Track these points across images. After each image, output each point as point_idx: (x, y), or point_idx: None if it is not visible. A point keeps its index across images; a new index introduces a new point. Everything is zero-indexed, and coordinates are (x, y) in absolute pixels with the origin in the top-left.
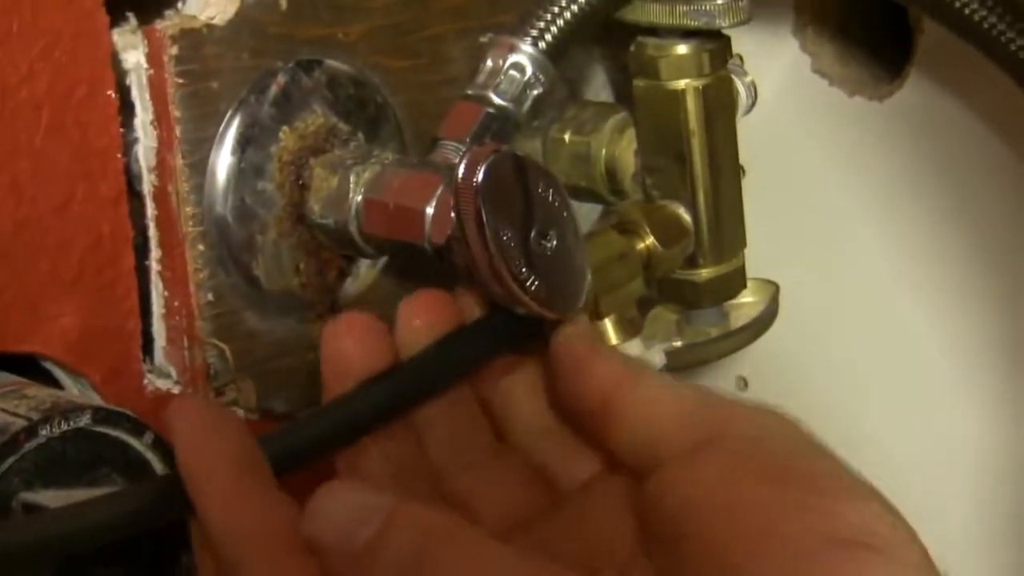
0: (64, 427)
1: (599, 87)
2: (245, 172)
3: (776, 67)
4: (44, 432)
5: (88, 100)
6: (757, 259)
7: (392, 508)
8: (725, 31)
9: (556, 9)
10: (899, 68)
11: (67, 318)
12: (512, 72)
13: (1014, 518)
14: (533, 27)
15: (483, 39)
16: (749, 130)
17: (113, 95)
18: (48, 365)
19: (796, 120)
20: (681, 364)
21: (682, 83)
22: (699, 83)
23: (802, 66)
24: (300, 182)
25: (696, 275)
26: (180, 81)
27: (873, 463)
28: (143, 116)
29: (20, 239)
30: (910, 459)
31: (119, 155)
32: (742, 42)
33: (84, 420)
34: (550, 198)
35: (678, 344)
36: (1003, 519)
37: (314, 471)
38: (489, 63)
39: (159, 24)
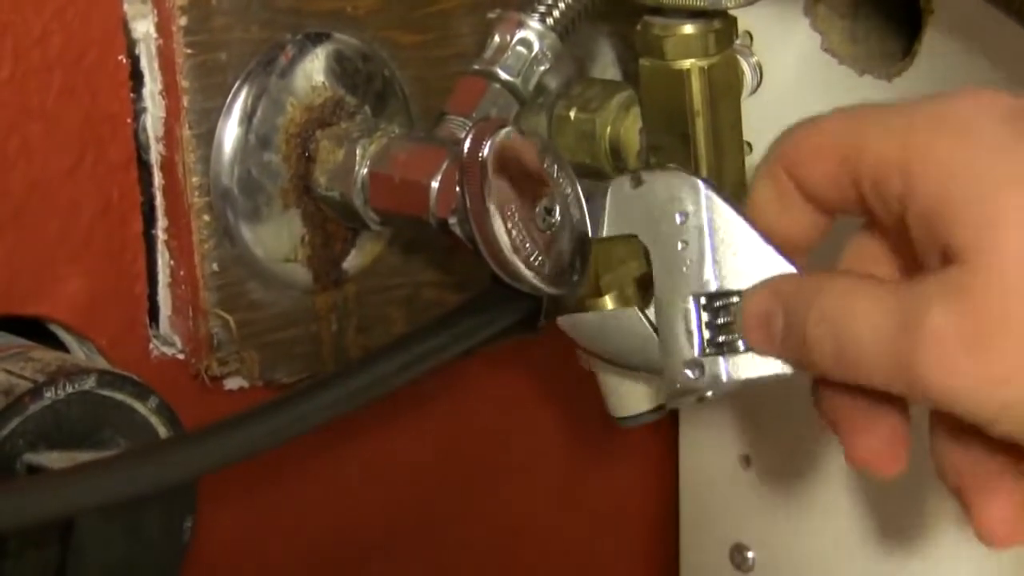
0: (69, 390)
1: (606, 65)
2: (252, 144)
3: (786, 46)
4: (49, 394)
5: (99, 64)
6: None
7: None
8: (731, 11)
9: None
10: (908, 47)
11: (75, 281)
12: (519, 48)
13: None
14: (541, 3)
15: (491, 15)
16: (759, 108)
17: (124, 60)
18: (54, 328)
19: (806, 98)
20: None
21: (687, 63)
22: (704, 63)
23: (812, 45)
24: (306, 154)
25: None
26: (189, 52)
27: None
28: (151, 86)
29: (30, 202)
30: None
31: (129, 120)
32: (752, 21)
33: (89, 383)
34: (555, 174)
35: None
36: None
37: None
38: (496, 39)
39: None
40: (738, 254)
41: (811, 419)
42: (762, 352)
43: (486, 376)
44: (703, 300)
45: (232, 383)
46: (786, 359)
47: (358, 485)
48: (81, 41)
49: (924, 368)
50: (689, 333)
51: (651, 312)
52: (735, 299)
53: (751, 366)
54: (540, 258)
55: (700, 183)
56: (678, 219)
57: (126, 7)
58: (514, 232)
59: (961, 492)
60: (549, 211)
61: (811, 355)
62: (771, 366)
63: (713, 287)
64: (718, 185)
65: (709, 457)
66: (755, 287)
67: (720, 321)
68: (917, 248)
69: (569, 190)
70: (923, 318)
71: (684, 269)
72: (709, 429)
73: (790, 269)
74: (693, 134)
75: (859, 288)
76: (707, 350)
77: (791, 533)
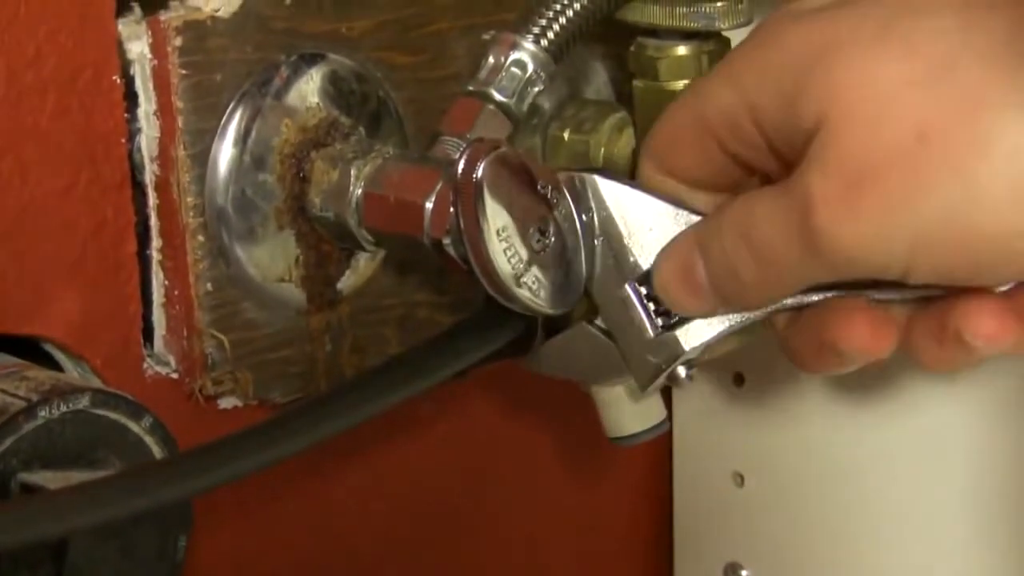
0: (63, 409)
1: (599, 86)
2: (246, 164)
3: None
4: (43, 414)
5: (93, 84)
6: None
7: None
8: (725, 32)
9: (558, 7)
10: None
11: (69, 301)
12: (514, 69)
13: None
14: (535, 25)
15: (485, 36)
16: None
17: (118, 80)
18: (49, 348)
19: None
20: None
21: (681, 84)
22: None
23: None
24: (301, 175)
25: None
26: (184, 72)
27: (873, 455)
28: (146, 106)
29: (24, 221)
30: (905, 448)
31: (123, 140)
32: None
33: (83, 402)
34: (548, 195)
35: None
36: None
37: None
38: (491, 59)
39: (163, 15)
40: (653, 228)
41: (804, 436)
42: (697, 312)
43: (480, 395)
44: (638, 286)
45: (226, 403)
46: (720, 305)
47: (352, 504)
48: (75, 62)
49: (825, 236)
50: (636, 320)
51: (598, 321)
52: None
53: (702, 329)
54: (534, 278)
55: (594, 177)
56: (586, 217)
57: (120, 28)
58: (508, 253)
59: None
60: (543, 232)
61: (739, 281)
62: (718, 324)
63: (643, 268)
64: None
65: (702, 475)
66: (659, 257)
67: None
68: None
69: (563, 210)
70: (807, 191)
71: (610, 262)
72: (702, 447)
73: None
74: None
75: (754, 197)
76: (659, 329)
77: (785, 551)
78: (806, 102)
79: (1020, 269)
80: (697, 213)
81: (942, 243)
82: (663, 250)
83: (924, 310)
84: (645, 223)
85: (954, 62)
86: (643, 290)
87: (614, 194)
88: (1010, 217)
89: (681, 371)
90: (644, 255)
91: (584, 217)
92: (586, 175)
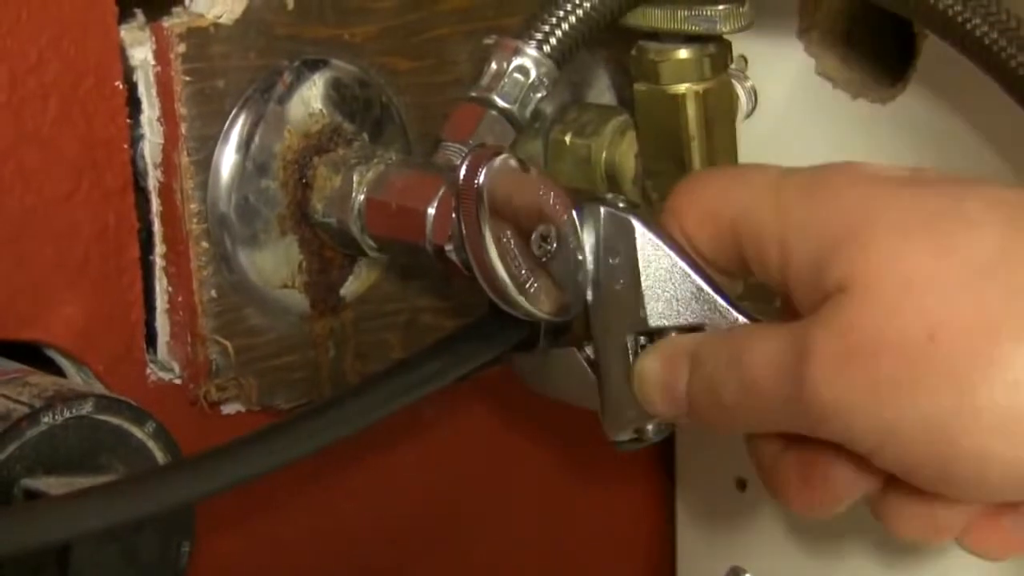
0: (66, 415)
1: (601, 89)
2: (249, 170)
3: (781, 70)
4: (46, 419)
5: (95, 90)
6: None
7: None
8: (726, 36)
9: (561, 13)
10: (902, 71)
11: (71, 307)
12: (516, 75)
13: None
14: (538, 30)
15: (488, 41)
16: (754, 132)
17: (120, 86)
18: (51, 353)
19: (800, 121)
20: None
21: (682, 88)
22: (699, 88)
23: (807, 69)
24: (303, 181)
25: None
26: (187, 79)
27: None
28: (149, 112)
29: (26, 227)
30: None
31: (125, 146)
32: (747, 45)
33: (86, 408)
34: (551, 201)
35: None
36: None
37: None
38: (493, 65)
39: (166, 22)
40: (672, 294)
41: None
42: (664, 416)
43: (482, 399)
44: (640, 338)
45: (230, 408)
46: (691, 419)
47: (354, 509)
48: (78, 68)
49: (812, 388)
50: (625, 369)
51: (589, 350)
52: (674, 335)
53: None
54: (536, 285)
55: (634, 222)
56: (611, 259)
57: (123, 34)
58: (510, 259)
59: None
60: (545, 238)
61: (719, 404)
62: None
63: (648, 325)
64: None
65: (705, 480)
66: (649, 352)
67: None
68: (798, 304)
69: (565, 217)
70: (809, 342)
71: (619, 307)
72: (705, 453)
73: (724, 307)
74: (689, 158)
75: (758, 330)
76: None
77: (788, 556)
78: (836, 265)
79: (983, 494)
80: (724, 301)
81: (915, 442)
82: (655, 346)
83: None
84: (667, 285)
85: (987, 277)
86: (642, 342)
87: (648, 244)
88: (992, 443)
89: (650, 429)
90: (654, 313)
91: (611, 255)
92: (625, 216)
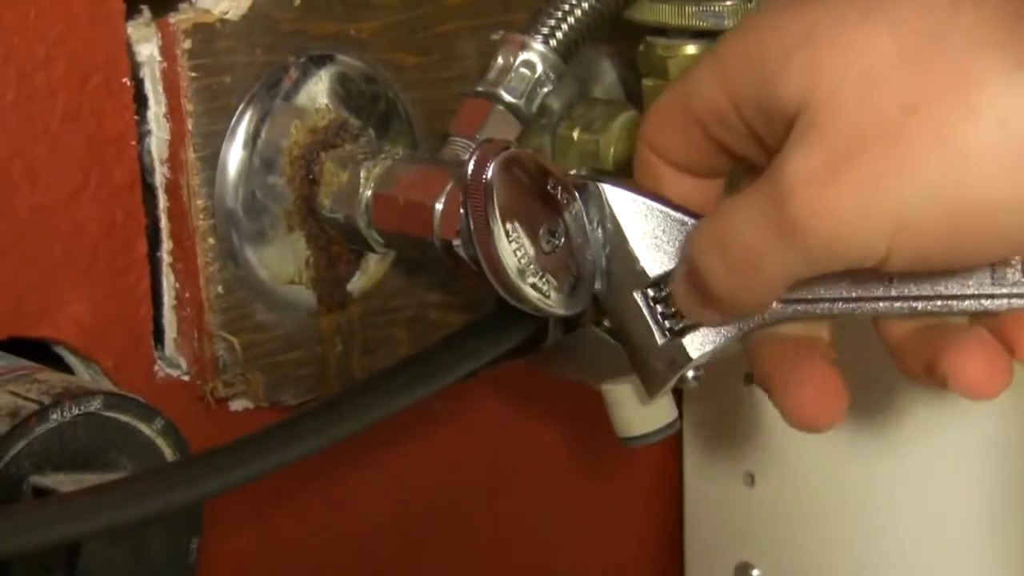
0: (75, 412)
1: (608, 85)
2: (256, 166)
3: None
4: (55, 416)
5: (103, 87)
6: None
7: None
8: None
9: (567, 7)
10: None
11: (80, 304)
12: (523, 70)
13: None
14: (544, 25)
15: (494, 36)
16: None
17: (128, 82)
18: (60, 350)
19: None
20: None
21: None
22: None
23: None
24: (310, 177)
25: None
26: (193, 75)
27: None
28: (156, 109)
29: (35, 224)
30: (917, 447)
31: (133, 142)
32: None
33: (95, 405)
34: (558, 195)
35: None
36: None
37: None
38: (500, 60)
39: (173, 17)
40: (659, 235)
41: (815, 435)
42: (709, 321)
43: (490, 395)
44: (648, 291)
45: (237, 405)
46: (722, 314)
47: (362, 505)
48: (85, 64)
49: (802, 222)
50: (644, 326)
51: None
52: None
53: (710, 336)
54: (544, 279)
55: (601, 185)
56: (593, 226)
57: (130, 30)
58: (518, 254)
59: (771, 385)
60: (553, 232)
61: (716, 291)
62: (725, 330)
63: (649, 276)
64: None
65: (713, 475)
66: (674, 269)
67: (670, 307)
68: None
69: (573, 211)
70: (784, 179)
71: (618, 270)
72: (713, 447)
73: None
74: None
75: (731, 201)
76: (666, 336)
77: (797, 551)
78: (787, 84)
79: (1001, 248)
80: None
81: (926, 219)
82: (680, 262)
83: (915, 338)
84: (651, 230)
85: (941, 36)
86: (651, 295)
87: (620, 202)
88: (998, 187)
89: (689, 375)
90: (650, 262)
91: (592, 224)
92: (592, 183)
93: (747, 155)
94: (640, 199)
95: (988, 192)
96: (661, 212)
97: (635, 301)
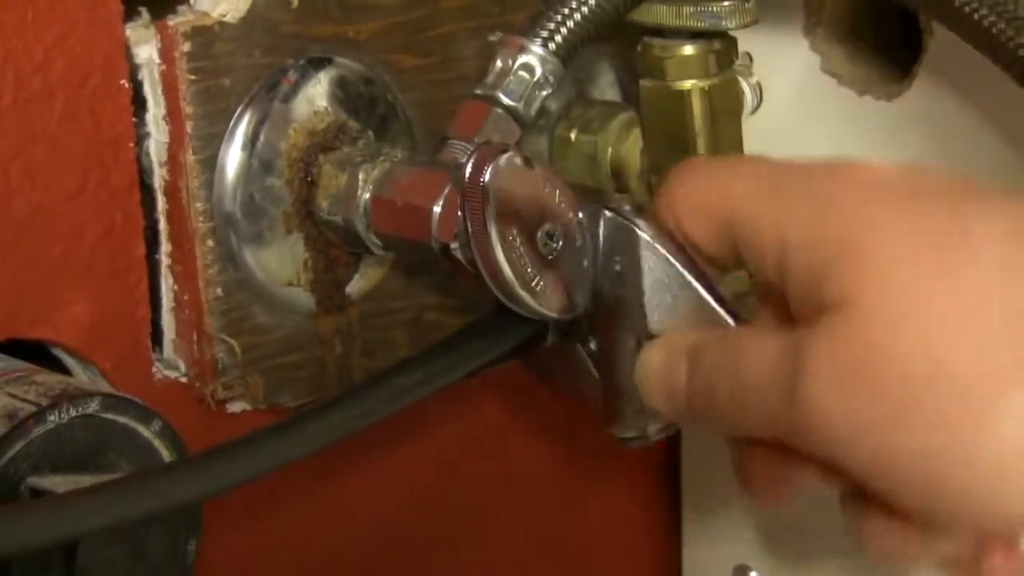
0: (72, 413)
1: (606, 86)
2: (254, 169)
3: (786, 66)
4: (52, 418)
5: (102, 88)
6: None
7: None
8: (732, 32)
9: (566, 10)
10: (908, 68)
11: (78, 305)
12: (521, 73)
13: None
14: (543, 28)
15: (493, 38)
16: (759, 128)
17: (126, 84)
18: (58, 352)
19: (805, 118)
20: None
21: (688, 84)
22: (705, 84)
23: (812, 65)
24: (309, 179)
25: None
26: (192, 77)
27: None
28: (155, 111)
29: (33, 226)
30: None
31: (131, 144)
32: (753, 41)
33: (92, 407)
34: (556, 199)
35: None
36: None
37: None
38: (499, 63)
39: (171, 20)
40: (675, 303)
41: None
42: (666, 413)
43: (487, 397)
44: (643, 342)
45: (236, 407)
46: (688, 417)
47: (360, 506)
48: (83, 66)
49: (805, 403)
50: (628, 369)
51: (592, 344)
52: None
53: None
54: (541, 283)
55: (637, 229)
56: (617, 265)
57: (128, 32)
58: (515, 257)
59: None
60: (551, 236)
61: (712, 404)
62: None
63: (649, 331)
64: None
65: (711, 476)
66: (650, 347)
67: None
68: (794, 310)
69: (571, 215)
70: (804, 356)
71: (622, 313)
72: (711, 448)
73: (725, 320)
74: (694, 154)
75: (753, 336)
76: None
77: (795, 553)
78: (835, 279)
79: (965, 531)
80: (720, 309)
81: (904, 472)
82: (659, 340)
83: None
84: (670, 293)
85: (988, 301)
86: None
87: (649, 251)
88: (982, 490)
89: (652, 430)
90: (656, 321)
91: (614, 263)
92: (628, 223)
93: (759, 277)
94: (671, 259)
95: (972, 488)
96: (685, 281)
97: (627, 344)
